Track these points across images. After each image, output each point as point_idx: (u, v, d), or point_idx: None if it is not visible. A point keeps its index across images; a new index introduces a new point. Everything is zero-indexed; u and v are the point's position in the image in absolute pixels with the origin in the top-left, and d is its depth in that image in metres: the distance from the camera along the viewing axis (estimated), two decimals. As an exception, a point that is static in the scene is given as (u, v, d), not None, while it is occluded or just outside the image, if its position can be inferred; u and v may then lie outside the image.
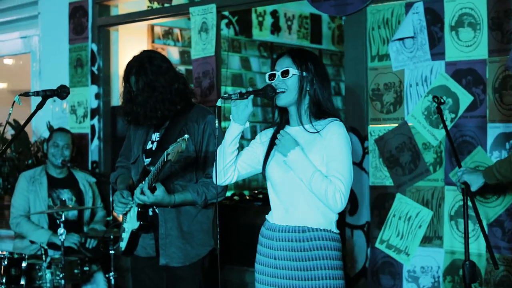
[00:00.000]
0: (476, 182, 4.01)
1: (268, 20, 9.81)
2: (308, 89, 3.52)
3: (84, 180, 6.20)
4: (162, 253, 4.34)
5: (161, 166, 3.98)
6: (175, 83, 4.39)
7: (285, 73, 3.51)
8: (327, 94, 3.57)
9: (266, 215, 3.72)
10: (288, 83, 3.50)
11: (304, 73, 3.51)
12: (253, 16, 9.60)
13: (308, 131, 3.50)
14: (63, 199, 5.94)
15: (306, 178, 3.40)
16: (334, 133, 3.46)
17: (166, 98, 4.32)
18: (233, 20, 9.22)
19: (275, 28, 9.94)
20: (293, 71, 3.50)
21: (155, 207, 4.36)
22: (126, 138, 4.74)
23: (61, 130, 6.24)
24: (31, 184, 5.97)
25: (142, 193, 4.15)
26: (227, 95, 3.44)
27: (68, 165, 6.07)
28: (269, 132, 3.67)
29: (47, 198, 5.95)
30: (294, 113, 3.56)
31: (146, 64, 4.35)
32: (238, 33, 9.38)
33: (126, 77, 4.41)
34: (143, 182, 4.20)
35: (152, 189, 4.14)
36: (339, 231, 3.57)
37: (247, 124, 3.53)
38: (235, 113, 3.51)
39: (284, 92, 3.50)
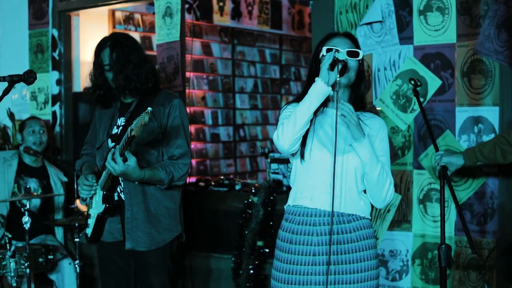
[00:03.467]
0: (455, 164, 4.03)
1: (229, 5, 9.76)
2: (361, 77, 3.45)
3: (55, 176, 6.13)
4: (128, 237, 4.32)
5: (125, 143, 3.93)
6: (147, 63, 4.40)
7: (354, 54, 3.38)
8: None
9: (288, 205, 3.52)
10: (352, 64, 3.37)
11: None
12: (214, 1, 9.54)
13: (360, 119, 3.40)
14: (28, 187, 5.86)
15: (375, 168, 3.34)
16: (384, 129, 3.47)
17: (140, 72, 4.33)
18: (194, 5, 9.14)
19: (236, 13, 9.90)
20: (361, 53, 3.41)
21: (120, 192, 4.33)
22: (91, 125, 4.70)
23: (33, 117, 6.25)
24: (0, 164, 5.90)
25: (114, 160, 4.04)
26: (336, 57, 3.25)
27: (31, 152, 5.99)
28: (295, 105, 3.40)
29: (13, 183, 5.87)
30: (340, 97, 3.38)
31: (121, 39, 4.39)
32: (199, 18, 9.32)
33: (98, 52, 4.40)
34: (114, 149, 4.11)
35: (123, 160, 4.07)
36: None
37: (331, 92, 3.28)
38: (326, 75, 3.26)
39: (349, 70, 3.36)
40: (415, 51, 4.73)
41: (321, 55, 3.43)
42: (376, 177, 3.36)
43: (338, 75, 3.26)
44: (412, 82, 4.33)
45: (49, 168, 6.16)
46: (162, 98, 4.39)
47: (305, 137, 3.40)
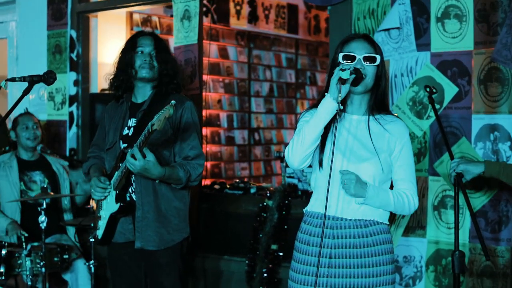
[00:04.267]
0: (472, 172, 3.99)
1: (246, 9, 9.79)
2: (380, 80, 3.43)
3: (57, 163, 6.16)
4: (138, 236, 4.35)
5: (144, 139, 3.99)
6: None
7: (371, 59, 3.38)
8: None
9: (307, 209, 3.55)
10: (369, 70, 3.36)
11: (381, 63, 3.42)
12: (231, 4, 9.58)
13: (379, 123, 3.43)
14: (35, 180, 5.90)
15: (388, 205, 3.39)
16: (405, 133, 3.46)
17: (175, 69, 4.52)
18: (211, 9, 9.17)
19: (253, 17, 9.92)
20: (379, 58, 3.39)
21: (132, 192, 4.36)
22: (99, 127, 4.73)
23: (25, 113, 6.25)
24: (1, 168, 5.93)
25: (133, 157, 4.06)
26: (347, 69, 3.21)
27: (48, 152, 6.05)
28: (313, 112, 3.39)
29: (19, 182, 5.91)
30: (359, 102, 3.45)
31: (160, 37, 4.61)
32: (216, 21, 9.35)
33: (135, 37, 4.54)
34: (129, 149, 4.14)
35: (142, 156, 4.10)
36: None
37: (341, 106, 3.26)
38: (335, 90, 3.24)
39: (364, 78, 3.36)
40: (432, 58, 4.73)
41: (338, 61, 3.42)
42: (393, 209, 3.43)
43: (339, 97, 3.23)
44: (428, 89, 4.34)
45: (48, 157, 6.19)
46: (174, 99, 4.42)
47: (323, 144, 3.41)
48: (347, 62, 3.37)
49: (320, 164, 3.43)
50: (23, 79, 3.78)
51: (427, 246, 4.76)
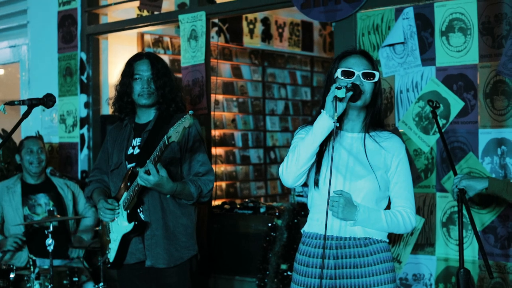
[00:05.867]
0: (475, 188, 3.89)
1: (259, 27, 9.77)
2: (377, 97, 3.39)
3: (62, 183, 6.13)
4: (148, 254, 4.36)
5: (160, 153, 3.99)
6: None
7: (370, 76, 3.34)
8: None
9: (304, 230, 3.53)
10: (367, 86, 3.33)
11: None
12: (244, 23, 9.56)
13: (375, 141, 3.40)
14: (40, 203, 5.89)
15: (382, 228, 3.36)
16: (402, 149, 3.42)
17: (174, 92, 4.49)
18: (224, 28, 9.17)
19: (266, 36, 9.90)
20: (377, 75, 3.36)
21: (140, 212, 4.35)
22: (101, 151, 4.75)
23: (30, 137, 6.25)
24: (5, 193, 5.93)
25: (147, 173, 4.06)
26: (343, 87, 3.16)
27: (57, 174, 6.05)
28: (308, 130, 3.39)
29: (22, 207, 5.89)
30: (355, 119, 3.42)
31: (159, 58, 4.56)
32: (229, 40, 9.34)
33: (131, 62, 4.51)
34: (138, 168, 4.16)
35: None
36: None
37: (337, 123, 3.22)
38: (330, 107, 3.20)
39: (363, 93, 3.32)
40: (437, 72, 4.68)
41: (335, 76, 3.39)
42: (387, 229, 3.38)
43: (336, 116, 3.18)
44: (430, 103, 4.27)
45: (53, 178, 6.17)
46: (178, 118, 4.41)
47: (319, 164, 3.38)
48: (345, 78, 3.33)
49: (316, 184, 3.38)
50: (22, 102, 3.79)
51: (436, 263, 4.69)
